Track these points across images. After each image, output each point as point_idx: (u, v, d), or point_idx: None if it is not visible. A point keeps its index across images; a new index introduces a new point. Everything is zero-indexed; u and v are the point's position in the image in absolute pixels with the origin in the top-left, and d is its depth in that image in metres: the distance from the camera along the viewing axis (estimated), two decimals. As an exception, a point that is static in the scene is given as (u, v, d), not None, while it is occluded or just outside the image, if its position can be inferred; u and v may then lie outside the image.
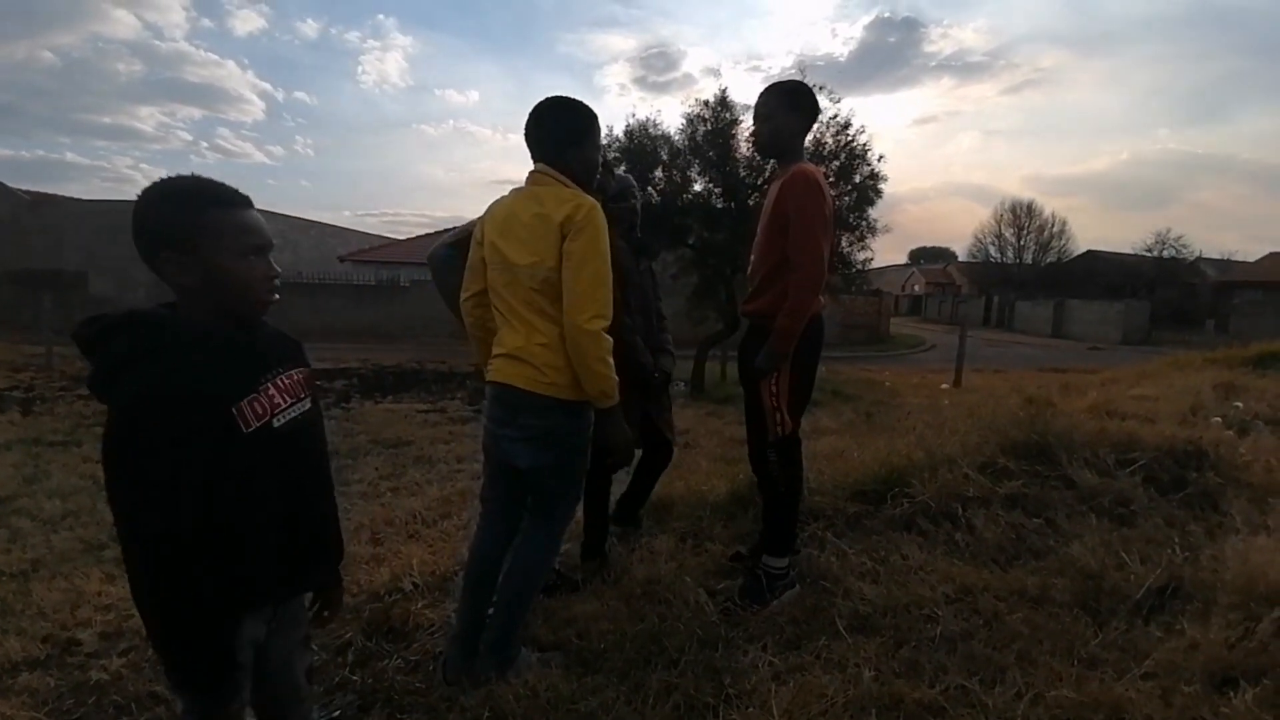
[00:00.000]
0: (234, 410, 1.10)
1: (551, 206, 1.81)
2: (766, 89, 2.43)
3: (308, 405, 1.25)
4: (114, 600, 2.61)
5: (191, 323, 1.12)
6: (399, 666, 2.14)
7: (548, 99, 1.94)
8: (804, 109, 2.41)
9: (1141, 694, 1.78)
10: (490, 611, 2.05)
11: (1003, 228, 43.86)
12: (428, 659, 2.18)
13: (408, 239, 26.20)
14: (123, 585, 2.71)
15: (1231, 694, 1.77)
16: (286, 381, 1.20)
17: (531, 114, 1.94)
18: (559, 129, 1.92)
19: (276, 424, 1.16)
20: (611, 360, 1.80)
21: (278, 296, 1.20)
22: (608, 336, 1.79)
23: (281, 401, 1.18)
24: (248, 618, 1.17)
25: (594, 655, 2.10)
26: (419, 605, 2.49)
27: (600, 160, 2.02)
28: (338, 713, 1.94)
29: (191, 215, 1.10)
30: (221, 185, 1.14)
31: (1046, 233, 42.53)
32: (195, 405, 1.06)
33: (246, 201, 1.17)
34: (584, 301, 1.76)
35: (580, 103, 1.95)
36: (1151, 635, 2.10)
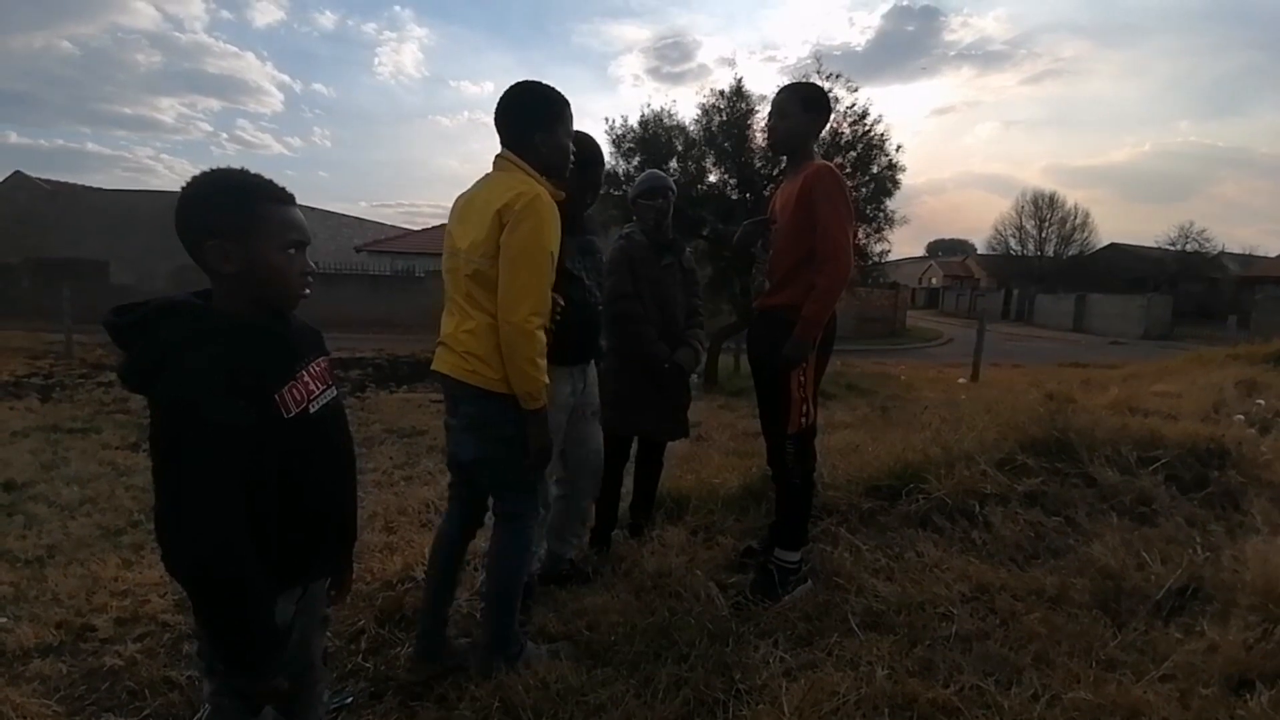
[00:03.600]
0: (276, 398, 1.13)
1: (495, 193, 1.77)
2: (786, 88, 2.51)
3: (334, 393, 1.29)
4: (130, 586, 2.62)
5: (229, 311, 1.15)
6: (411, 655, 2.14)
7: (515, 84, 1.89)
8: (820, 112, 2.50)
9: (1159, 696, 1.76)
10: (454, 604, 2.06)
11: (1023, 219, 43.33)
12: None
13: (423, 229, 26.30)
14: (140, 571, 2.74)
15: (1249, 696, 1.75)
16: (316, 369, 1.24)
17: (499, 99, 1.90)
18: (523, 114, 1.86)
19: (312, 410, 1.20)
20: (543, 362, 1.74)
21: (309, 291, 1.23)
22: (541, 336, 1.74)
23: (315, 389, 1.22)
24: (281, 598, 1.20)
25: (604, 647, 2.10)
26: (429, 594, 2.50)
27: (570, 147, 1.93)
28: (349, 699, 1.95)
29: (244, 207, 1.14)
30: (271, 182, 1.18)
31: (1069, 225, 41.98)
32: (242, 393, 1.09)
33: (292, 199, 1.21)
34: (518, 298, 1.70)
35: (548, 87, 1.89)
36: (1171, 637, 2.06)
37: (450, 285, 1.87)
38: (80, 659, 2.17)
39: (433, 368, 1.93)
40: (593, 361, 2.44)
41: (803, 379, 2.36)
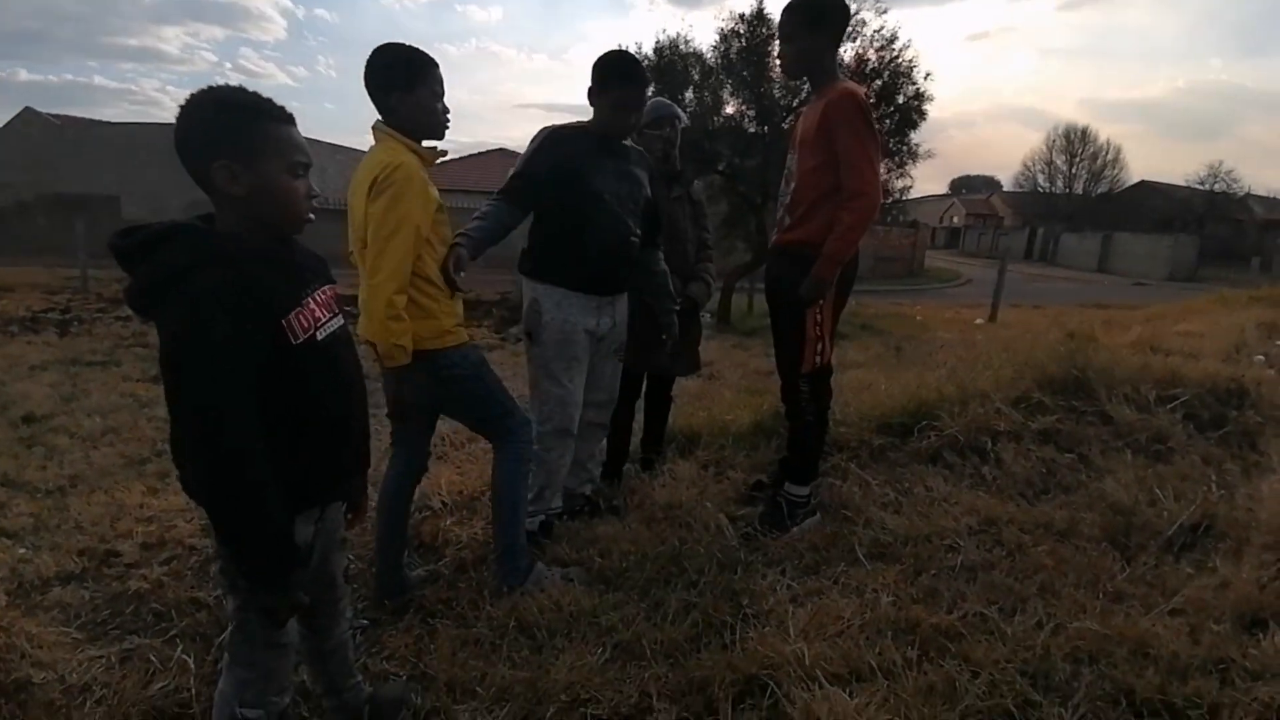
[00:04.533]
0: (283, 323, 1.13)
1: (365, 167, 1.78)
2: (786, 7, 2.30)
3: (340, 321, 1.29)
4: (156, 512, 2.67)
5: (236, 235, 1.14)
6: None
7: (375, 48, 1.83)
8: (828, 24, 2.28)
9: (1168, 629, 1.77)
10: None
11: (1054, 155, 41.91)
12: (456, 572, 2.26)
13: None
14: (165, 498, 2.81)
15: (1260, 635, 1.75)
16: (322, 297, 1.23)
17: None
18: (379, 78, 1.81)
19: (319, 337, 1.19)
20: (397, 326, 1.75)
21: (313, 216, 1.22)
22: (396, 301, 1.74)
23: (321, 316, 1.21)
24: (299, 519, 1.23)
25: (615, 573, 2.14)
26: (448, 522, 2.57)
27: (440, 107, 1.87)
28: (367, 621, 2.01)
29: (251, 125, 1.12)
30: (272, 100, 1.15)
31: (1100, 160, 40.65)
32: (249, 316, 1.08)
33: (293, 119, 1.18)
34: (374, 267, 1.73)
35: (407, 47, 1.84)
36: (1181, 572, 2.07)
37: (354, 250, 1.88)
38: (103, 584, 2.19)
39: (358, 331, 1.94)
40: (623, 297, 2.41)
41: (820, 317, 2.30)
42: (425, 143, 1.88)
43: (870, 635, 1.78)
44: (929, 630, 1.80)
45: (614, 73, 2.19)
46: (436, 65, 1.85)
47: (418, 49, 1.84)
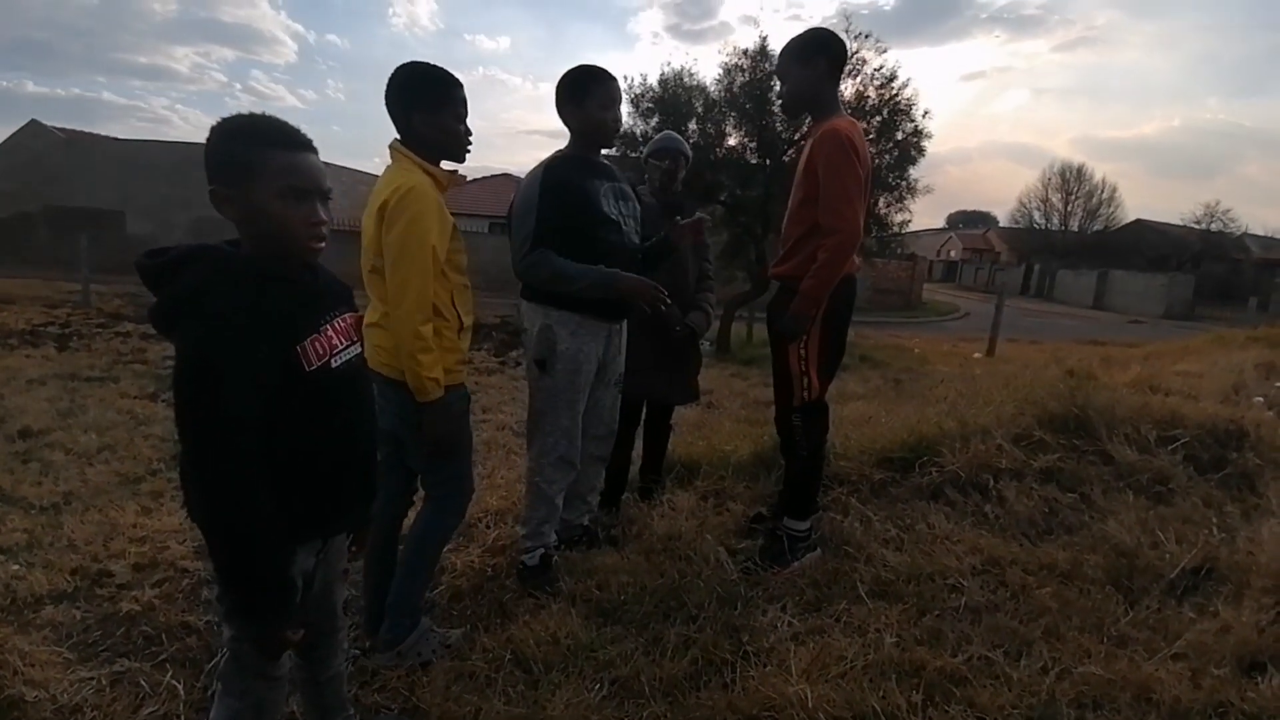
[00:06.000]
0: (298, 349, 1.13)
1: (379, 189, 1.73)
2: (783, 47, 2.34)
3: (358, 349, 1.28)
4: (149, 532, 2.64)
5: (256, 260, 1.14)
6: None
7: (399, 65, 1.80)
8: (821, 60, 2.27)
9: (1171, 674, 1.75)
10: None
11: (1049, 192, 42.34)
12: (451, 601, 2.23)
13: (437, 188, 26.04)
14: (159, 518, 2.77)
15: (1259, 678, 1.74)
16: (341, 324, 1.23)
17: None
18: (402, 97, 1.78)
19: (334, 364, 1.19)
20: (427, 359, 1.69)
21: (323, 244, 1.19)
22: (425, 331, 1.69)
23: (339, 343, 1.21)
24: (300, 550, 1.22)
25: (614, 606, 2.12)
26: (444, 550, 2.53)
27: (462, 130, 1.82)
28: (365, 646, 1.98)
29: (240, 151, 1.12)
30: (282, 126, 1.15)
31: (1095, 199, 40.98)
32: (263, 340, 1.08)
33: (305, 145, 1.17)
34: (398, 295, 1.67)
35: (432, 67, 1.79)
36: (1184, 616, 2.05)
37: (364, 271, 1.82)
38: (95, 605, 2.16)
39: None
40: (624, 325, 2.41)
41: (803, 352, 2.29)
42: (444, 164, 1.83)
43: (874, 677, 1.76)
44: (934, 674, 1.77)
45: (589, 77, 2.19)
46: (461, 86, 1.81)
47: (443, 68, 1.80)
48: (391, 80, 1.78)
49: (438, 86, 1.78)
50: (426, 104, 1.77)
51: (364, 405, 1.31)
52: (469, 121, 1.83)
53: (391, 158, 1.82)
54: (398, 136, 1.81)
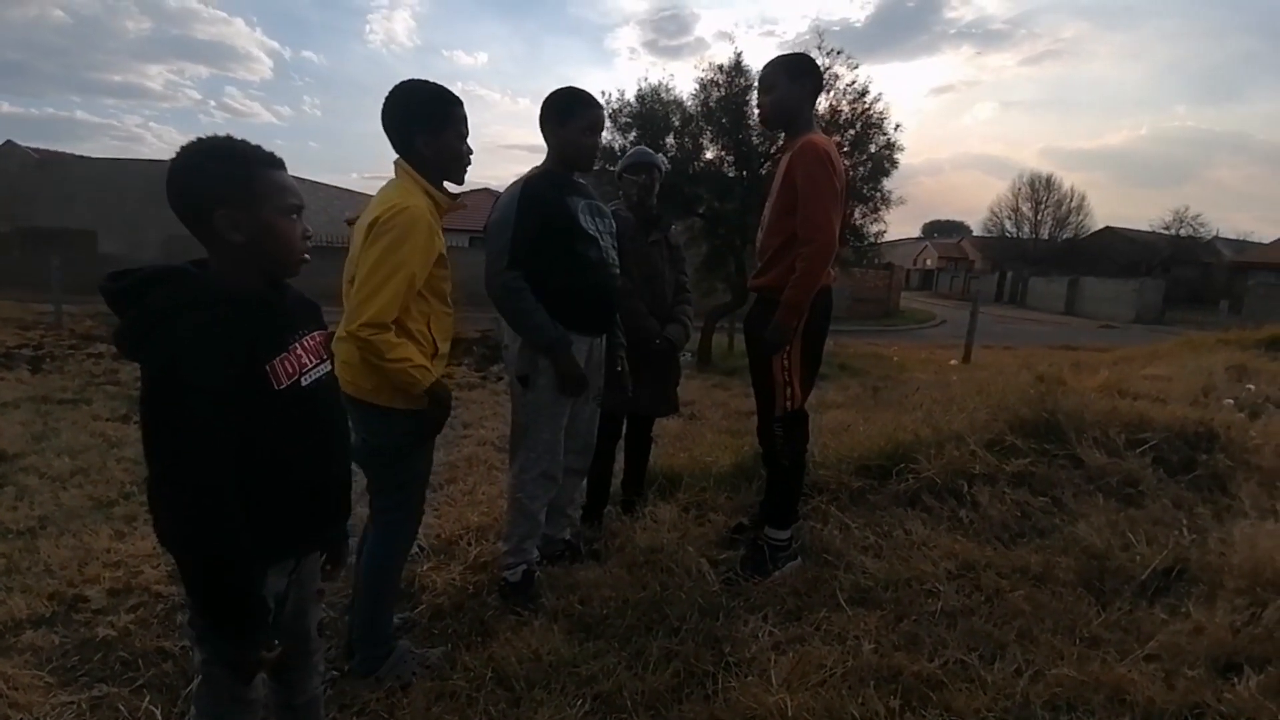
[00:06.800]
0: (267, 368, 1.13)
1: (374, 205, 1.71)
2: (770, 61, 2.43)
3: (328, 367, 1.28)
4: (123, 557, 2.62)
5: (225, 280, 1.14)
6: (403, 626, 2.16)
7: (399, 83, 1.78)
8: (807, 79, 2.39)
9: (1144, 675, 1.78)
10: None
11: (1020, 202, 43.15)
12: (432, 620, 2.22)
13: (415, 203, 25.92)
14: (132, 542, 2.74)
15: (1235, 679, 1.76)
16: (310, 343, 1.23)
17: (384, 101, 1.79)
18: (404, 116, 1.75)
19: (304, 383, 1.19)
20: (397, 356, 1.67)
21: (309, 257, 1.23)
22: (382, 338, 1.65)
23: (308, 361, 1.21)
24: (271, 570, 1.21)
25: (596, 621, 2.12)
26: (424, 568, 2.52)
27: (463, 149, 1.81)
28: (344, 668, 1.96)
29: (239, 172, 1.13)
30: (260, 147, 1.17)
31: (1064, 208, 41.87)
32: (232, 360, 1.08)
33: (282, 163, 1.19)
34: (358, 308, 1.64)
35: (434, 85, 1.77)
36: (1156, 617, 2.09)
37: (346, 287, 1.80)
38: (73, 630, 2.16)
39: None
40: (604, 339, 2.42)
41: (786, 362, 2.34)
42: (447, 185, 1.81)
43: (853, 684, 1.78)
44: (911, 679, 1.80)
45: (576, 101, 2.22)
46: (461, 104, 1.79)
47: (443, 87, 1.77)
48: (390, 99, 1.76)
49: (440, 106, 1.76)
50: (429, 125, 1.75)
51: (336, 423, 1.31)
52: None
53: (395, 174, 1.80)
54: (397, 154, 1.79)
